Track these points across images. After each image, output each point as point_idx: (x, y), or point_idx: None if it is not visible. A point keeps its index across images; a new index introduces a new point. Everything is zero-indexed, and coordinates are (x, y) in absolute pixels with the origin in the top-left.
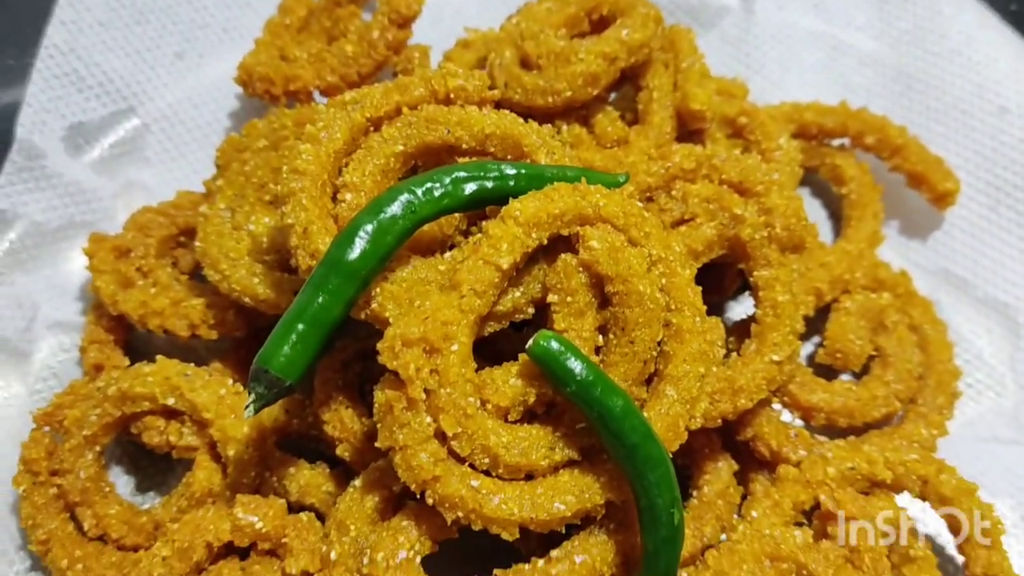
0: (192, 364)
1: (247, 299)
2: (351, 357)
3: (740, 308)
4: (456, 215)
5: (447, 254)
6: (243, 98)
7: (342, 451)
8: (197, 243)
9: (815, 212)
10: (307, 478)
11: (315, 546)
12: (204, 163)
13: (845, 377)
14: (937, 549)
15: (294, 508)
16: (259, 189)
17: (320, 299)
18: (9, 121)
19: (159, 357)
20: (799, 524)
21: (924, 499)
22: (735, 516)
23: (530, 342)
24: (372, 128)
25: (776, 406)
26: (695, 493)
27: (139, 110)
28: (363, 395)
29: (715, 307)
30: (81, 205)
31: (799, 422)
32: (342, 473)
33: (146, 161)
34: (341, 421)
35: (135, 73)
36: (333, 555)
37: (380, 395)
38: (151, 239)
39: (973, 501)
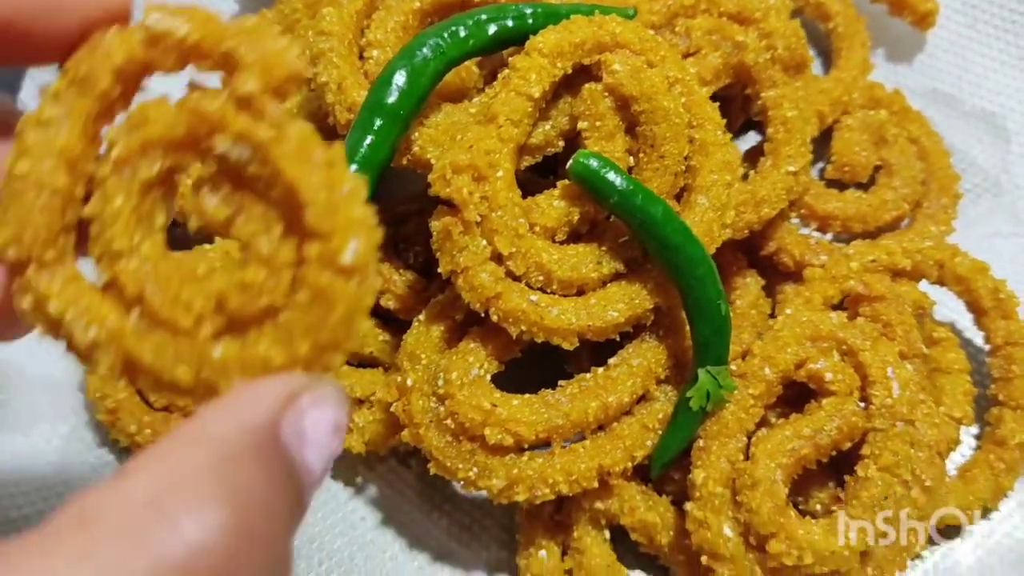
0: None
1: None
2: (383, 221)
3: (745, 145)
4: (475, 70)
5: (475, 99)
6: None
7: (386, 300)
8: None
9: None
10: (363, 329)
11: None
12: None
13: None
14: (957, 332)
15: (353, 363)
16: None
17: (368, 140)
18: None
19: None
20: None
21: (942, 283)
22: (768, 322)
23: (570, 162)
24: None
25: (794, 220)
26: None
27: None
28: (397, 253)
29: None
30: None
31: (816, 235)
32: (392, 327)
33: None
34: (381, 273)
35: None
36: (409, 382)
37: (437, 224)
38: None
39: (987, 278)
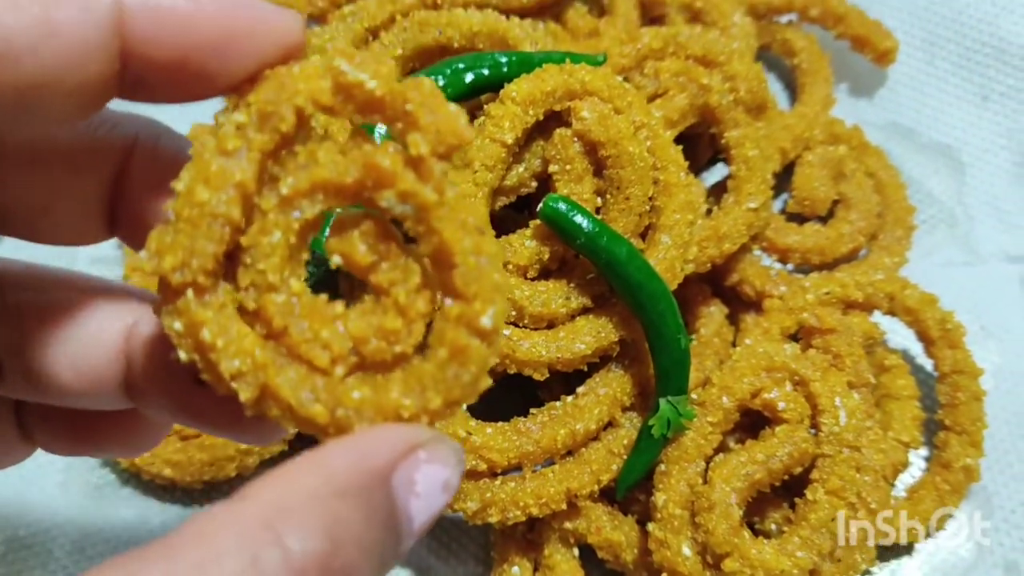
0: None
1: None
2: None
3: (712, 179)
4: None
5: None
6: None
7: None
8: None
9: (772, 85)
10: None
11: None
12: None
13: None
14: (909, 359)
15: None
16: None
17: None
18: None
19: None
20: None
21: (893, 314)
22: (730, 349)
23: (540, 205)
24: (371, 37)
25: (756, 252)
26: (694, 336)
27: None
28: None
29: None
30: None
31: (778, 265)
32: None
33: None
34: None
35: None
36: None
37: None
38: None
39: (935, 310)
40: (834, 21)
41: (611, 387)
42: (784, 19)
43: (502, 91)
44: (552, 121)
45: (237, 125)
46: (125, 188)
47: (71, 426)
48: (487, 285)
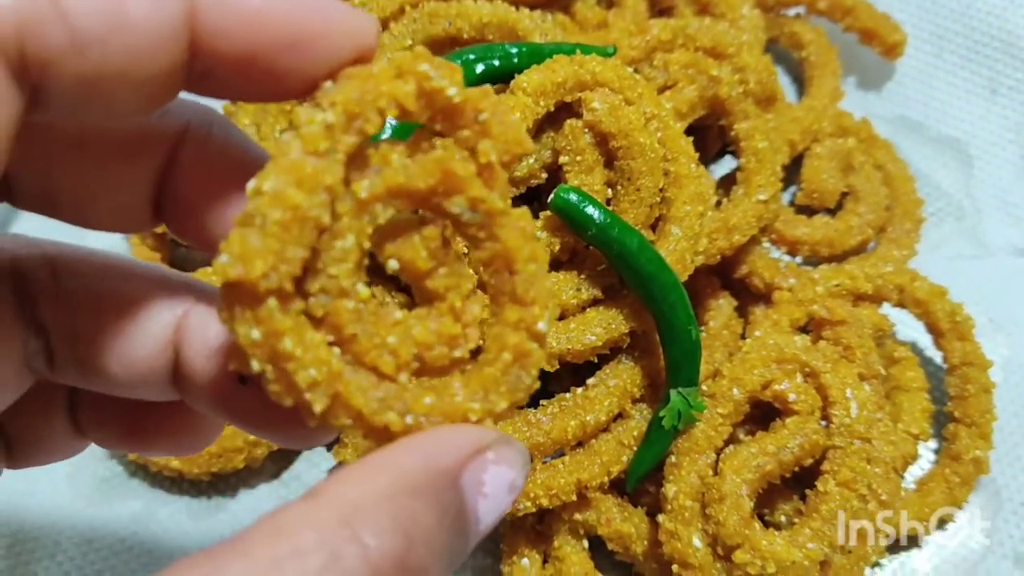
0: None
1: None
2: None
3: (720, 171)
4: None
5: None
6: None
7: None
8: None
9: (780, 78)
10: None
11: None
12: None
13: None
14: (918, 351)
15: None
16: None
17: None
18: None
19: None
20: None
21: (902, 306)
22: (739, 342)
23: (551, 196)
24: (381, 27)
25: (765, 245)
26: (703, 328)
27: None
28: (388, 276)
29: None
30: None
31: (787, 258)
32: None
33: None
34: (374, 295)
35: None
36: None
37: None
38: None
39: (944, 302)
40: (842, 14)
41: (621, 378)
42: (792, 12)
43: (512, 82)
44: (563, 112)
45: (328, 125)
46: (174, 176)
47: (123, 422)
48: (543, 291)
